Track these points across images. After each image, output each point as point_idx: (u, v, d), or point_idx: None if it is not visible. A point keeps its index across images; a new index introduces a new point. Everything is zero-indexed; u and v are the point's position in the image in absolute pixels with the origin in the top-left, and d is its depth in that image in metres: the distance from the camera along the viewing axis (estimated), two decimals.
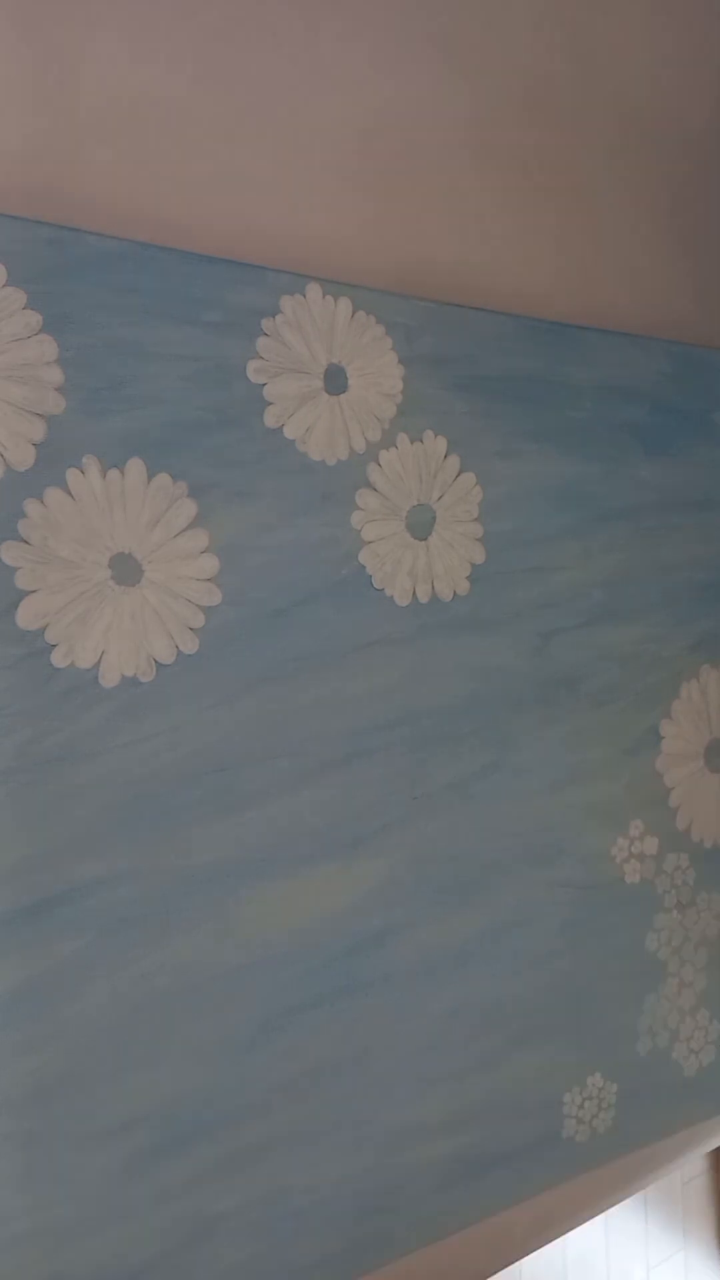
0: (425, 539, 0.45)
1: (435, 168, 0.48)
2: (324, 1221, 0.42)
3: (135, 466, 0.37)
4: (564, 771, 0.50)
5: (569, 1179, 0.50)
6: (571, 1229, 0.51)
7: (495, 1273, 0.48)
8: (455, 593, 0.46)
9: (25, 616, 0.35)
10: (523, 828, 0.48)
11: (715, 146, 0.59)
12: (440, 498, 0.45)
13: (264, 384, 0.40)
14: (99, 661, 0.36)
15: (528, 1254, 0.50)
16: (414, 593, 0.44)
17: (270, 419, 0.40)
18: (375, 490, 0.43)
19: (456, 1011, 0.45)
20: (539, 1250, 0.50)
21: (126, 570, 0.37)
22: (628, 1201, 0.53)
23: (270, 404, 0.40)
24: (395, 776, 0.44)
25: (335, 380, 0.42)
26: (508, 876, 0.47)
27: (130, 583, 0.37)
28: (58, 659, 0.36)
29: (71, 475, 0.36)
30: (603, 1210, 0.52)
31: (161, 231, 0.38)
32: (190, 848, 0.38)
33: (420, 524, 0.45)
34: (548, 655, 0.49)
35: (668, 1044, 0.53)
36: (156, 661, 0.38)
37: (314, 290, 0.41)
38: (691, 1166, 1.19)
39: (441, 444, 0.45)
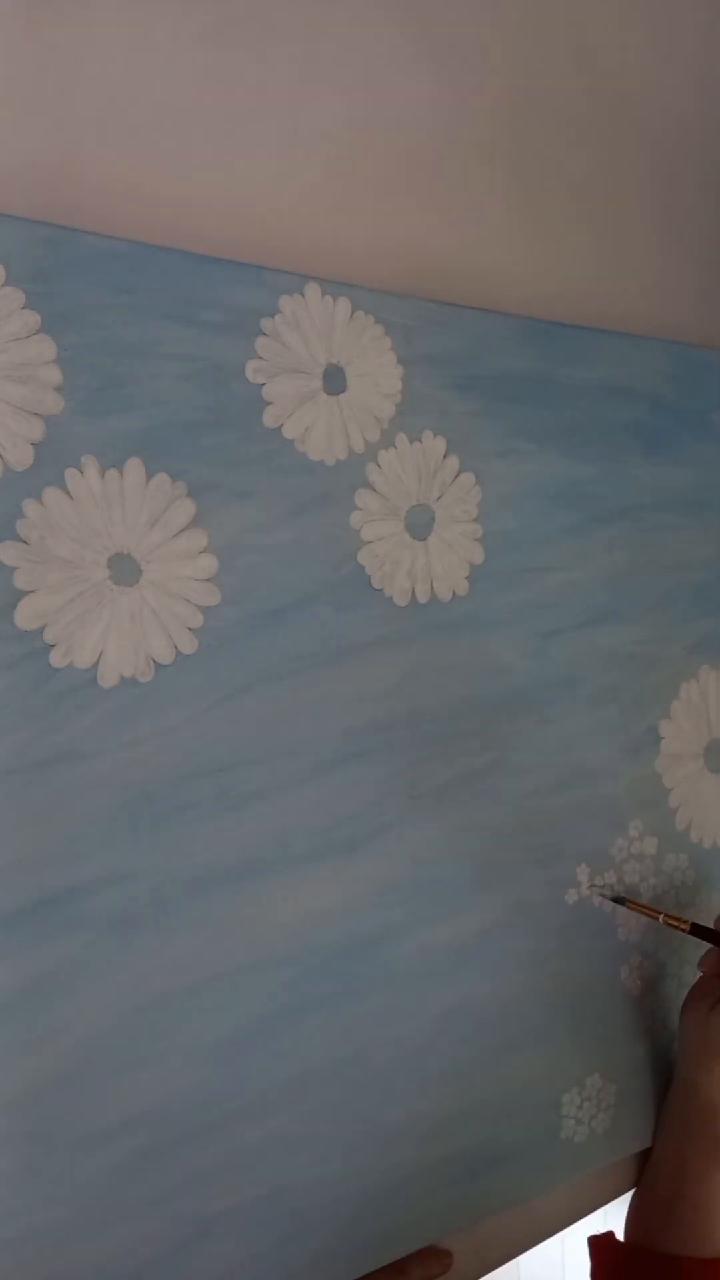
0: (424, 539, 0.45)
1: (434, 168, 0.48)
2: (323, 1221, 0.41)
3: (134, 466, 0.37)
4: (563, 772, 0.50)
5: (567, 1179, 0.50)
6: (568, 1226, 0.51)
7: (492, 1270, 0.48)
8: (454, 593, 0.46)
9: (24, 616, 0.35)
10: (521, 828, 0.48)
11: (715, 146, 0.59)
12: (439, 498, 0.45)
13: (263, 384, 0.40)
14: (97, 662, 0.36)
15: (524, 1251, 0.50)
16: (413, 593, 0.44)
17: (269, 419, 0.40)
18: (374, 490, 0.43)
19: (455, 1012, 0.45)
20: (536, 1248, 0.50)
21: (125, 570, 0.37)
22: (627, 1202, 0.53)
23: (269, 404, 0.40)
24: (394, 776, 0.44)
25: (334, 380, 0.42)
26: (506, 877, 0.47)
27: (129, 583, 0.37)
28: (56, 659, 0.36)
29: (70, 475, 0.36)
30: (599, 1207, 0.52)
31: (160, 231, 0.38)
32: (189, 848, 0.38)
33: (419, 524, 0.45)
34: (547, 656, 0.49)
35: (667, 1045, 0.53)
36: (155, 662, 0.38)
37: (313, 290, 0.41)
38: None
39: (440, 444, 0.45)
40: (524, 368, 0.48)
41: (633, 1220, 0.51)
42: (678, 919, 0.48)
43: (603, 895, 0.50)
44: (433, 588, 0.45)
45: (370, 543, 0.43)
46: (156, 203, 0.39)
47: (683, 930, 0.48)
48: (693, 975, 0.54)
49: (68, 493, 0.36)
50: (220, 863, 0.39)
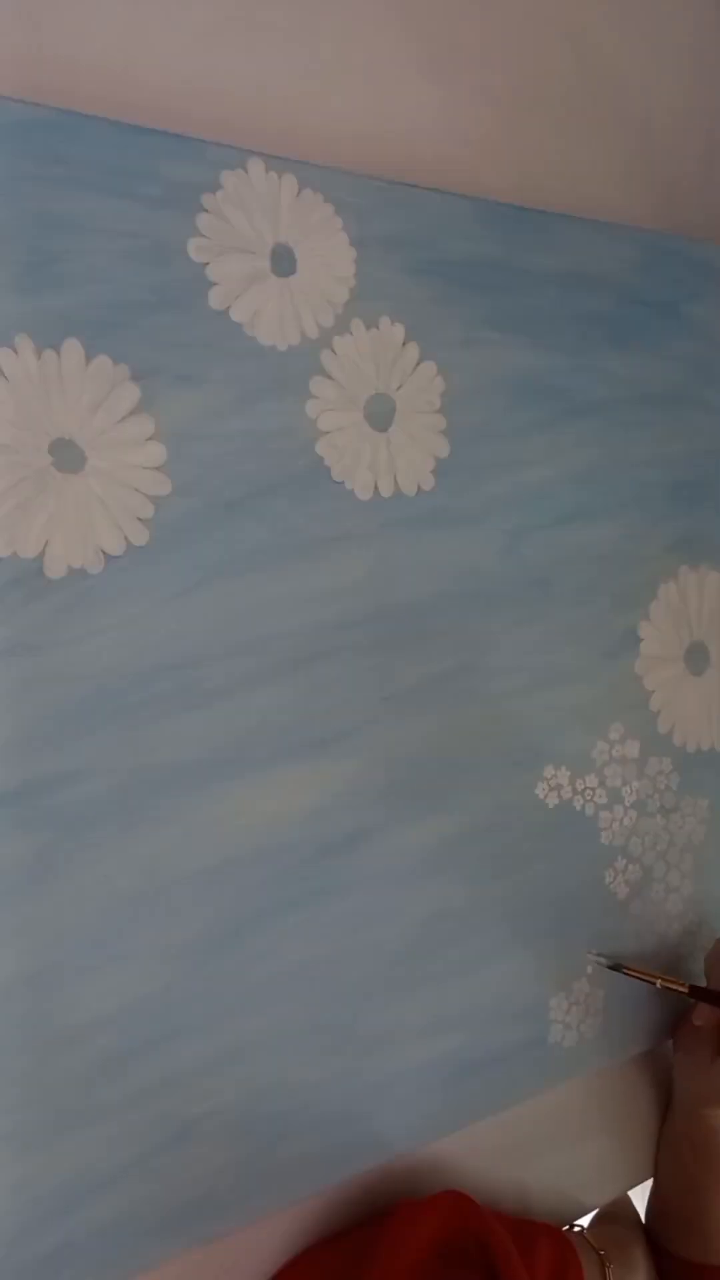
0: (385, 430, 0.43)
1: (389, 38, 0.46)
2: (306, 1124, 0.41)
3: (72, 348, 0.35)
4: (539, 674, 0.48)
5: (557, 1083, 0.49)
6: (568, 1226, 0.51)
7: (496, 1179, 0.48)
8: (419, 487, 0.44)
9: None
10: (498, 730, 0.47)
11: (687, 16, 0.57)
12: (399, 388, 0.44)
13: (206, 263, 0.38)
14: (43, 552, 0.35)
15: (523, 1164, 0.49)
16: (375, 486, 0.43)
17: (215, 300, 0.39)
18: (330, 378, 0.42)
19: (435, 915, 0.45)
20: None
21: (68, 456, 0.35)
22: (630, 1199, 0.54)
23: (214, 284, 0.39)
24: (362, 676, 0.43)
25: (283, 261, 0.40)
26: (484, 779, 0.46)
27: (73, 469, 0.36)
28: None
29: (3, 355, 0.34)
30: (597, 1205, 0.52)
31: (91, 100, 0.36)
32: (151, 746, 0.37)
33: (379, 414, 0.43)
34: (519, 554, 0.48)
35: (654, 949, 0.53)
36: (105, 553, 0.36)
37: (256, 165, 0.39)
38: None
39: (399, 331, 0.44)
40: (485, 253, 0.46)
41: (651, 1228, 0.52)
42: (675, 981, 0.48)
43: (599, 963, 0.50)
44: (396, 481, 0.44)
45: (328, 433, 0.42)
46: (87, 70, 0.37)
47: (681, 993, 0.48)
48: (678, 879, 0.54)
49: (3, 374, 0.34)
50: (185, 761, 0.38)
